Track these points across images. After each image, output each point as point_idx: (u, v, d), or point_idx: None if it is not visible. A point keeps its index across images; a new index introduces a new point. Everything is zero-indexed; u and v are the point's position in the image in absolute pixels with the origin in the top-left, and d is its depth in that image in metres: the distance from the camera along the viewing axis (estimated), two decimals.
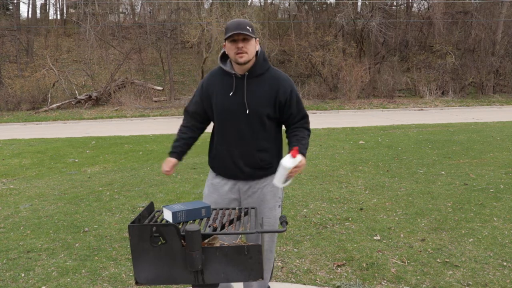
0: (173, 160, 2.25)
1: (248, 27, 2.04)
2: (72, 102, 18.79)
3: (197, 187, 5.51)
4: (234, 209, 1.90)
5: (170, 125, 13.36)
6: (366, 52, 22.84)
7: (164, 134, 11.03)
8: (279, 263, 3.18)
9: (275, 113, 2.16)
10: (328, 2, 26.92)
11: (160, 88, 21.18)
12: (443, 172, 5.94)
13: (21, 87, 18.70)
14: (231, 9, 20.09)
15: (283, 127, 2.30)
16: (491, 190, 4.95)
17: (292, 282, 2.90)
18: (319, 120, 14.09)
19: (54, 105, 18.34)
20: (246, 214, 1.90)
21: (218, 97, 2.17)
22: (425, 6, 25.29)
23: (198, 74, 20.95)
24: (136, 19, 27.17)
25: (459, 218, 4.04)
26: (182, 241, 1.51)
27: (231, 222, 1.80)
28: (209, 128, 2.38)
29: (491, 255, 3.22)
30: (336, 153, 7.65)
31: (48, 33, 24.95)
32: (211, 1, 23.98)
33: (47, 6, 29.11)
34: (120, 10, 28.07)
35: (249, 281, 1.55)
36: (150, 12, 25.28)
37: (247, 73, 2.13)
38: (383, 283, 2.84)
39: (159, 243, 1.52)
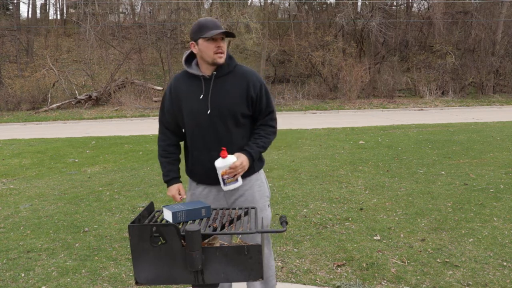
0: (181, 185, 2.26)
1: (222, 26, 2.01)
2: (72, 102, 18.79)
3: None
4: (234, 209, 1.90)
5: None
6: (366, 52, 22.84)
7: None
8: (279, 263, 3.18)
9: (249, 110, 2.10)
10: (328, 2, 26.94)
11: (160, 88, 21.17)
12: (443, 172, 5.94)
13: (21, 87, 18.70)
14: (231, 9, 20.10)
15: None
16: (491, 190, 4.95)
17: (292, 282, 2.90)
18: (319, 120, 14.09)
19: (54, 105, 18.34)
20: (246, 214, 1.90)
21: (188, 101, 2.09)
22: (425, 6, 25.31)
23: None
24: (136, 19, 27.18)
25: (459, 218, 4.04)
26: (182, 241, 1.51)
27: (231, 222, 1.80)
28: None
29: (491, 255, 3.22)
30: (336, 153, 7.65)
31: (48, 33, 24.96)
32: (211, 1, 23.99)
33: (47, 6, 29.14)
34: (120, 10, 28.08)
35: (249, 281, 1.55)
36: (150, 12, 25.29)
37: (215, 72, 2.06)
38: (383, 283, 2.84)
39: (159, 243, 1.52)
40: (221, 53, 2.00)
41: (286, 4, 28.47)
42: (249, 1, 26.02)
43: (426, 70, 21.14)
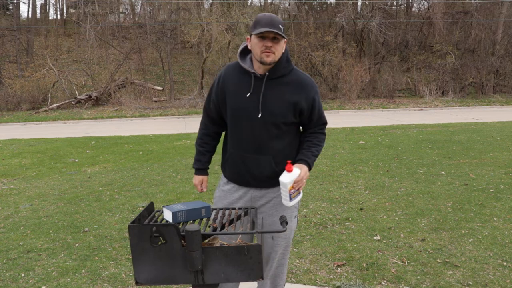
0: (206, 178, 2.22)
1: (280, 26, 1.86)
2: (72, 102, 18.79)
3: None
4: (234, 209, 1.89)
5: (170, 125, 13.36)
6: (366, 52, 22.85)
7: (164, 134, 11.02)
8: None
9: (295, 119, 1.99)
10: (328, 2, 26.95)
11: (160, 88, 21.18)
12: (443, 172, 5.94)
13: (21, 87, 18.69)
14: (231, 9, 20.10)
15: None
16: (491, 190, 4.95)
17: (292, 282, 2.90)
18: None
19: (54, 105, 18.34)
20: (246, 214, 1.90)
21: (234, 96, 1.99)
22: (425, 6, 25.32)
23: (198, 74, 20.94)
24: (136, 19, 27.18)
25: (459, 218, 4.04)
26: (182, 241, 1.51)
27: (231, 222, 1.80)
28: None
29: (491, 255, 3.22)
30: (336, 153, 7.65)
31: (48, 33, 24.96)
32: (211, 1, 23.99)
33: (47, 6, 29.16)
34: (120, 10, 28.08)
35: (249, 281, 1.55)
36: (150, 12, 25.28)
37: (267, 73, 1.94)
38: (383, 283, 2.84)
39: (159, 243, 1.52)
40: (268, 52, 1.87)
41: (286, 4, 28.48)
42: (249, 1, 26.04)
43: (426, 70, 21.14)
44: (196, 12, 20.17)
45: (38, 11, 27.81)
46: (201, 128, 2.22)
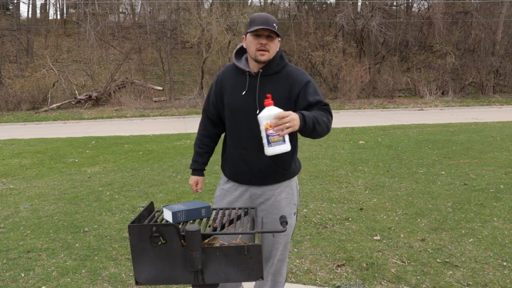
0: (201, 179, 2.26)
1: (275, 24, 1.90)
2: (72, 102, 18.79)
3: None
4: (234, 209, 1.89)
5: (170, 125, 13.36)
6: (366, 52, 22.85)
7: (164, 134, 11.03)
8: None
9: (292, 110, 1.91)
10: (328, 2, 26.95)
11: (160, 88, 21.18)
12: (443, 172, 5.94)
13: (21, 87, 18.69)
14: (231, 9, 20.10)
15: None
16: (491, 190, 4.95)
17: (292, 282, 2.90)
18: None
19: (54, 105, 18.34)
20: (246, 214, 1.90)
21: (230, 96, 2.04)
22: (425, 6, 25.33)
23: (198, 74, 20.94)
24: (136, 19, 27.18)
25: (459, 218, 4.04)
26: (182, 241, 1.51)
27: (231, 222, 1.80)
28: None
29: (491, 255, 3.22)
30: (336, 153, 7.66)
31: (48, 33, 24.96)
32: (211, 1, 24.00)
33: (47, 6, 29.17)
34: (120, 10, 28.09)
35: (249, 281, 1.55)
36: (150, 12, 25.28)
37: (261, 70, 1.99)
38: (383, 283, 2.84)
39: (159, 243, 1.52)
40: (263, 50, 1.91)
41: (286, 4, 28.50)
42: (249, 1, 26.05)
43: (426, 70, 21.15)
44: (196, 12, 20.18)
45: (38, 11, 27.83)
46: (200, 129, 2.27)
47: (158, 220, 1.75)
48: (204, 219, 1.79)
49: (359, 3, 23.16)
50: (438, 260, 3.15)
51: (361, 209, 4.41)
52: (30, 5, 27.93)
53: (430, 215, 4.15)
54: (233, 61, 2.09)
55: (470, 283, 2.80)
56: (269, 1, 26.69)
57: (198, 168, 2.25)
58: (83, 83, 21.37)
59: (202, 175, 2.28)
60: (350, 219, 4.12)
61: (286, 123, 1.69)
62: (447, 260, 3.15)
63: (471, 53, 21.81)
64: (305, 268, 3.09)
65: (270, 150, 1.74)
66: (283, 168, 2.05)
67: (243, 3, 22.82)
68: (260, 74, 1.99)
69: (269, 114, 1.70)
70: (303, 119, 1.76)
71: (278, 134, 1.71)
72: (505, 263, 3.07)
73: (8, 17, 24.91)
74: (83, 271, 3.14)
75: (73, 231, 4.00)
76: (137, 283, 1.56)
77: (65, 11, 28.17)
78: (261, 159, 1.99)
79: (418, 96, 20.51)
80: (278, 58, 2.01)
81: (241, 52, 2.09)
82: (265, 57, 1.93)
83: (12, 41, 22.88)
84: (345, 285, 2.82)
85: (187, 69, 23.53)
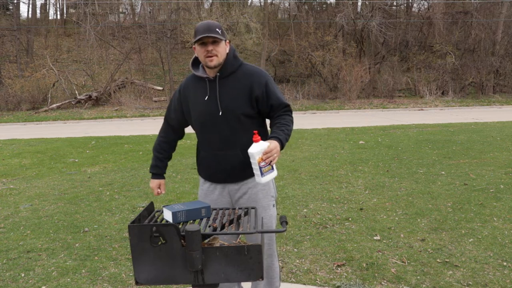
0: (163, 181, 2.36)
1: (217, 29, 1.99)
2: (72, 102, 18.79)
3: (197, 187, 5.51)
4: (234, 209, 1.89)
5: None
6: (366, 52, 22.85)
7: None
8: (279, 263, 3.18)
9: (253, 110, 2.09)
10: (328, 2, 26.96)
11: (160, 88, 21.18)
12: (443, 172, 5.94)
13: (21, 87, 18.70)
14: (231, 9, 20.10)
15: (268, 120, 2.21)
16: (491, 190, 4.95)
17: (292, 282, 2.90)
18: (319, 120, 14.09)
19: (54, 105, 18.34)
20: (246, 214, 1.90)
21: (194, 103, 2.14)
22: (425, 6, 25.33)
23: None
24: (136, 19, 27.18)
25: (459, 218, 4.04)
26: (182, 241, 1.51)
27: (231, 222, 1.80)
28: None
29: (491, 255, 3.22)
30: (336, 153, 7.66)
31: (48, 33, 24.97)
32: (211, 1, 24.00)
33: (47, 6, 29.17)
34: (120, 10, 28.09)
35: (249, 281, 1.55)
36: (150, 12, 25.29)
37: (218, 74, 2.07)
38: (383, 283, 2.84)
39: (159, 243, 1.52)
40: (211, 56, 2.00)
41: (286, 4, 28.50)
42: (249, 1, 26.05)
43: (426, 70, 21.15)
44: (196, 12, 20.18)
45: (38, 11, 27.83)
46: (160, 136, 2.39)
47: (158, 220, 1.75)
48: (204, 219, 1.79)
49: (359, 3, 23.18)
50: (438, 260, 3.15)
51: (361, 209, 4.41)
52: (30, 5, 27.95)
53: (430, 215, 4.15)
54: (191, 72, 2.19)
55: (470, 283, 2.80)
56: (269, 1, 26.69)
57: (159, 172, 2.35)
58: (83, 83, 21.37)
59: (164, 178, 2.37)
60: (350, 219, 4.12)
61: (274, 154, 1.90)
62: (447, 260, 3.15)
63: (471, 53, 21.81)
64: (305, 268, 3.09)
65: (263, 179, 1.92)
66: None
67: (243, 3, 22.82)
68: (218, 78, 2.08)
69: (260, 149, 1.87)
70: (280, 143, 1.99)
71: (269, 164, 1.91)
72: (505, 263, 3.07)
73: (8, 17, 24.92)
74: (83, 271, 3.14)
75: (73, 231, 4.00)
76: (137, 283, 1.56)
77: (65, 11, 28.19)
78: (232, 158, 2.11)
79: (418, 96, 20.50)
80: (232, 59, 2.10)
81: (197, 62, 2.18)
82: (214, 62, 2.02)
83: (12, 41, 22.88)
84: (345, 285, 2.82)
85: (187, 69, 23.52)
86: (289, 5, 27.54)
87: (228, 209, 1.89)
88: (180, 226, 1.65)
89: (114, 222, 4.23)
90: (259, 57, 21.37)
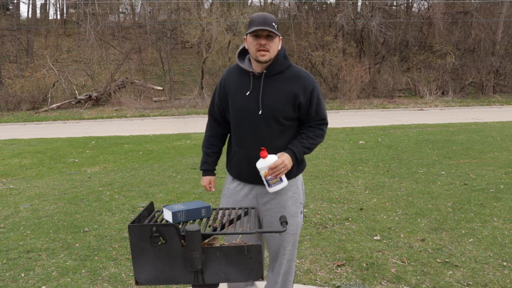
0: (213, 178, 2.26)
1: (274, 24, 1.89)
2: (72, 102, 18.79)
3: (197, 187, 5.51)
4: (234, 209, 1.89)
5: (170, 125, 13.36)
6: (366, 52, 22.85)
7: (164, 134, 11.02)
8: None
9: (294, 113, 2.01)
10: (328, 2, 26.95)
11: (160, 88, 21.18)
12: (443, 172, 5.94)
13: (21, 87, 18.70)
14: (231, 9, 20.10)
15: None
16: (491, 190, 4.95)
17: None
18: None
19: (54, 105, 18.34)
20: (246, 214, 1.90)
21: (234, 96, 2.04)
22: (425, 6, 25.33)
23: (198, 74, 20.95)
24: (136, 19, 27.17)
25: (459, 218, 4.04)
26: (182, 241, 1.51)
27: (231, 222, 1.80)
28: None
29: (491, 255, 3.22)
30: (336, 153, 7.65)
31: (48, 33, 24.96)
32: (211, 1, 24.00)
33: (47, 6, 29.16)
34: (120, 10, 28.08)
35: (249, 281, 1.55)
36: (150, 12, 25.28)
37: (265, 71, 1.97)
38: (383, 283, 2.84)
39: (159, 243, 1.52)
40: (263, 50, 1.90)
41: (286, 4, 28.49)
42: (249, 1, 26.04)
43: (426, 70, 21.15)
44: (196, 12, 20.18)
45: (38, 11, 27.82)
46: (207, 131, 2.27)
47: (158, 220, 1.75)
48: (204, 219, 1.79)
49: (359, 3, 23.18)
50: (438, 260, 3.15)
51: (361, 209, 4.41)
52: (30, 5, 27.96)
53: (430, 215, 4.15)
54: (236, 62, 2.09)
55: (470, 283, 2.80)
56: (269, 1, 26.69)
57: (209, 168, 2.25)
58: (83, 83, 21.37)
59: (214, 174, 2.28)
60: (350, 219, 4.12)
61: (281, 169, 1.93)
62: (447, 260, 3.15)
63: (471, 53, 21.81)
64: (305, 268, 3.09)
65: (271, 189, 2.00)
66: None
67: (243, 3, 22.82)
68: (264, 75, 1.98)
69: (265, 165, 1.93)
70: (294, 156, 2.00)
71: (275, 177, 1.96)
72: (505, 263, 3.07)
73: (8, 17, 24.91)
74: (83, 271, 3.14)
75: (73, 231, 4.00)
76: (137, 283, 1.56)
77: (65, 11, 28.18)
78: None
79: (418, 96, 20.50)
80: (282, 58, 2.00)
81: (244, 52, 2.08)
82: (266, 57, 1.92)
83: (12, 41, 22.88)
84: (345, 285, 2.82)
85: (187, 69, 23.53)
86: (289, 5, 27.55)
87: (228, 209, 1.89)
88: (180, 226, 1.65)
89: (114, 222, 4.23)
90: None
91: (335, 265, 3.13)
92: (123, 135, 11.20)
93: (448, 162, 6.63)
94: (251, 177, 2.06)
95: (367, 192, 5.08)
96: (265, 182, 1.97)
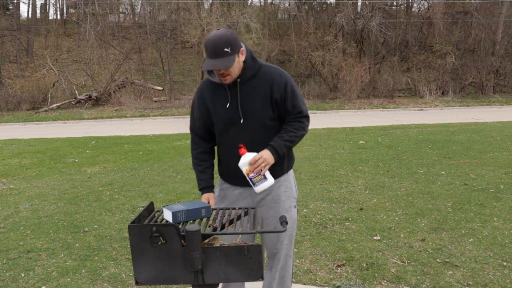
0: (212, 195, 2.19)
1: (226, 49, 1.85)
2: (72, 102, 18.79)
3: (197, 187, 5.50)
4: (234, 209, 1.89)
5: (170, 125, 13.36)
6: (366, 52, 22.84)
7: (164, 134, 11.02)
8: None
9: (274, 113, 2.03)
10: (328, 2, 26.95)
11: (160, 88, 21.18)
12: (443, 172, 5.94)
13: (21, 87, 18.69)
14: (231, 9, 20.09)
15: None
16: (491, 190, 4.95)
17: (292, 282, 2.90)
18: (319, 120, 14.09)
19: (54, 105, 18.34)
20: (246, 214, 1.90)
21: (216, 109, 2.05)
22: (425, 6, 25.32)
23: (198, 74, 20.95)
24: (136, 19, 27.17)
25: (459, 218, 4.04)
26: (182, 241, 1.51)
27: (231, 222, 1.80)
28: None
29: (491, 255, 3.22)
30: (336, 153, 7.65)
31: (48, 33, 24.96)
32: (211, 1, 24.00)
33: (47, 6, 29.16)
34: (120, 10, 28.08)
35: (249, 281, 1.55)
36: (150, 12, 25.27)
37: (238, 80, 1.97)
38: (383, 283, 2.84)
39: (159, 243, 1.52)
40: (224, 76, 1.93)
41: (286, 4, 28.50)
42: (249, 1, 26.04)
43: (426, 70, 21.14)
44: (196, 12, 20.17)
45: (38, 11, 27.82)
46: (193, 149, 2.23)
47: (158, 220, 1.75)
48: (204, 219, 1.79)
49: (359, 3, 23.18)
50: (438, 260, 3.15)
51: (361, 209, 4.41)
52: (30, 5, 27.93)
53: (430, 215, 4.15)
54: (207, 77, 2.09)
55: (470, 283, 2.80)
56: (269, 1, 26.68)
57: (206, 185, 2.19)
58: (83, 83, 21.37)
59: (212, 191, 2.21)
60: (350, 219, 4.12)
61: (261, 163, 1.91)
62: (447, 260, 3.15)
63: (471, 53, 21.81)
64: (305, 268, 3.09)
65: (257, 189, 1.98)
66: (277, 164, 2.06)
67: (243, 3, 22.82)
68: (238, 83, 1.98)
69: (244, 162, 1.93)
70: (274, 151, 1.97)
71: (259, 175, 1.94)
72: (505, 263, 3.07)
73: (8, 17, 24.91)
74: (83, 271, 3.14)
75: (73, 231, 4.00)
76: (137, 283, 1.56)
77: (65, 11, 28.18)
78: None
79: (418, 96, 20.50)
80: (250, 62, 2.00)
81: None
82: (229, 80, 1.95)
83: (12, 41, 22.87)
84: (345, 285, 2.82)
85: (187, 69, 23.53)
86: (289, 5, 27.55)
87: (228, 209, 1.89)
88: (180, 226, 1.65)
89: (114, 222, 4.23)
90: (259, 57, 21.36)
91: (335, 265, 3.13)
92: (123, 135, 11.20)
93: (448, 162, 6.63)
94: (244, 181, 2.05)
95: (367, 192, 5.08)
96: (250, 182, 1.96)
